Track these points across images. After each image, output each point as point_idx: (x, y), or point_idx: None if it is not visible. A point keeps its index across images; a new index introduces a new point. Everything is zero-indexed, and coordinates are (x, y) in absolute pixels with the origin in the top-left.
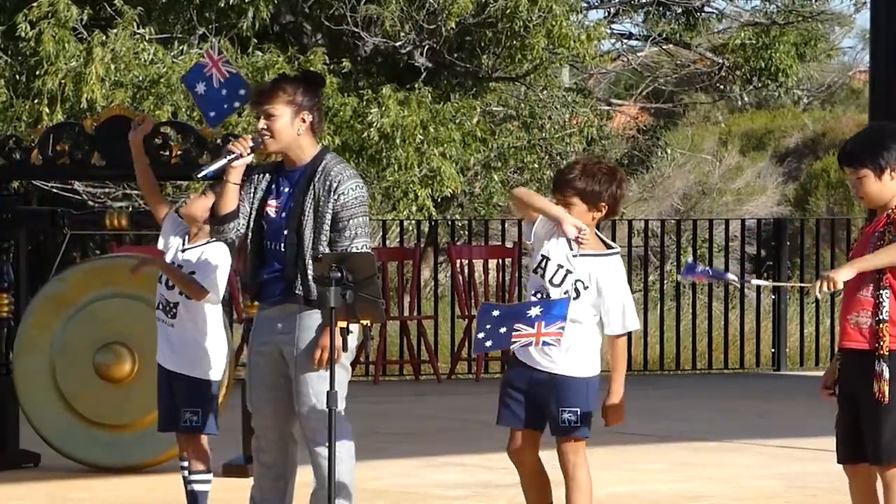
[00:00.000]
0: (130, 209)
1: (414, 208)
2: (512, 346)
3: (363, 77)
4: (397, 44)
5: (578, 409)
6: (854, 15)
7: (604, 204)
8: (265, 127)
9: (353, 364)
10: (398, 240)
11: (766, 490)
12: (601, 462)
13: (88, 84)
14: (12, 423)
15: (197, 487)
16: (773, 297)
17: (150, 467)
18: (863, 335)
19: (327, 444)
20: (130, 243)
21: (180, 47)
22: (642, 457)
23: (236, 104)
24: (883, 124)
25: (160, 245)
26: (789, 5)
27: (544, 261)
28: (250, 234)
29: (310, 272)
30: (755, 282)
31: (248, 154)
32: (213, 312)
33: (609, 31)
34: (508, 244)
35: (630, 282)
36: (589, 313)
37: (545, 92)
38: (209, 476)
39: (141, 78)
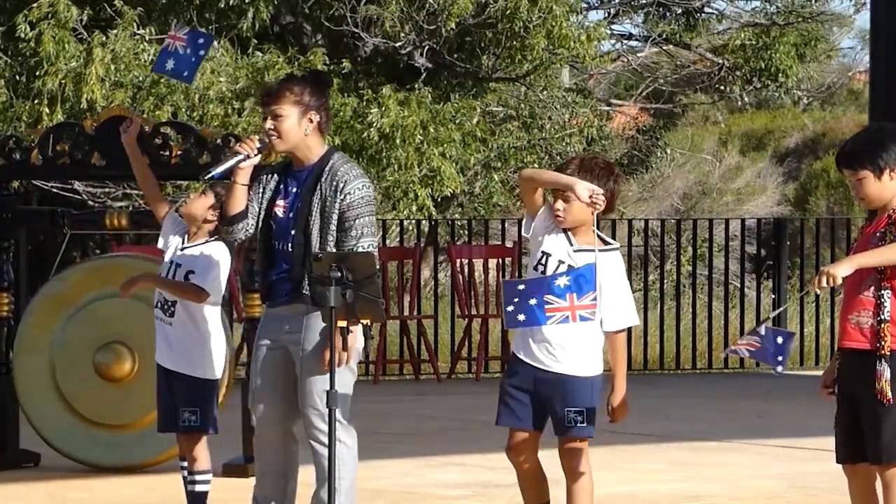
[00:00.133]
0: (130, 209)
1: (414, 208)
2: (548, 322)
3: (363, 77)
4: (397, 44)
5: (584, 409)
6: (854, 15)
7: None
8: (272, 127)
9: None
10: (398, 239)
11: (766, 490)
12: (601, 462)
13: (88, 84)
14: (12, 423)
15: (197, 487)
16: (773, 296)
17: (150, 467)
18: (863, 335)
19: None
20: (130, 243)
21: None
22: (642, 457)
23: (202, 52)
24: (881, 125)
25: (160, 244)
26: (789, 6)
27: (545, 257)
28: (259, 234)
29: None
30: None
31: (256, 155)
32: (211, 311)
33: (609, 32)
34: (508, 244)
35: (630, 281)
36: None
37: (545, 92)
38: (209, 476)
39: (141, 78)
